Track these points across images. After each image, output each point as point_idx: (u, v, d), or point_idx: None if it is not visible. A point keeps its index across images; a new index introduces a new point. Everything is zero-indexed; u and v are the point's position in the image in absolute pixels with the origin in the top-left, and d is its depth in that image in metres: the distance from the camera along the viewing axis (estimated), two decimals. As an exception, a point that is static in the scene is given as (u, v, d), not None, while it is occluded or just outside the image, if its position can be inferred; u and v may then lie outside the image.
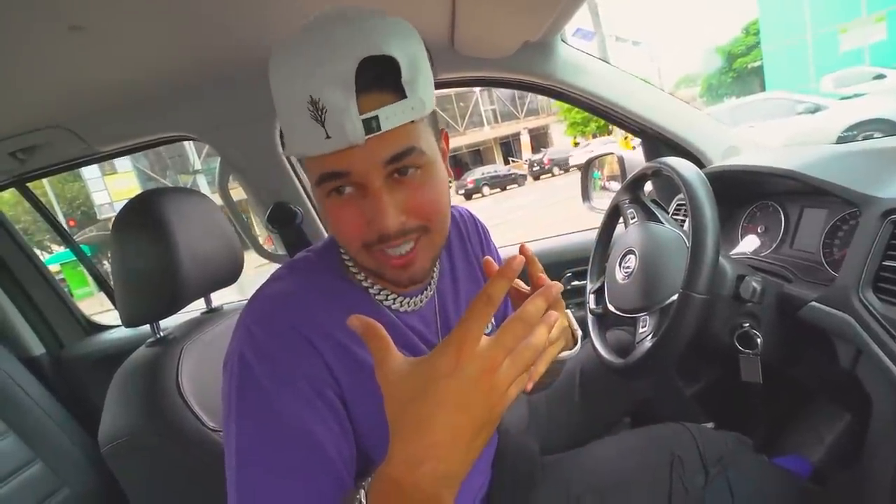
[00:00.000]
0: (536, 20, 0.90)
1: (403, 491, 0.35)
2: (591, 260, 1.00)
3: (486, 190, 18.27)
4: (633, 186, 0.91)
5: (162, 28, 0.75)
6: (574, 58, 1.08)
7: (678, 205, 1.11)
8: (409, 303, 0.58)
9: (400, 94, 0.43)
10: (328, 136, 0.41)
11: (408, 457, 0.36)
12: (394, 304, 0.56)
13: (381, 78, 0.42)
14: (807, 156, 0.83)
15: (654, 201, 0.89)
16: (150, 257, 0.79)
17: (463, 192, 18.11)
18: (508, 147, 28.01)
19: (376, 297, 0.56)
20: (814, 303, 0.65)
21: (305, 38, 0.42)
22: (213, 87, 1.02)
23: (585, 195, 1.40)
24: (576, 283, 1.31)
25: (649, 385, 0.98)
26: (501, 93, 26.47)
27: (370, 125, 0.41)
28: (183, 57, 0.88)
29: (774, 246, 0.87)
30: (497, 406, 0.37)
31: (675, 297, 0.68)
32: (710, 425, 0.97)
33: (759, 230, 0.93)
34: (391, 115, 0.42)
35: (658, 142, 1.16)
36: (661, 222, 0.84)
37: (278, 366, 0.46)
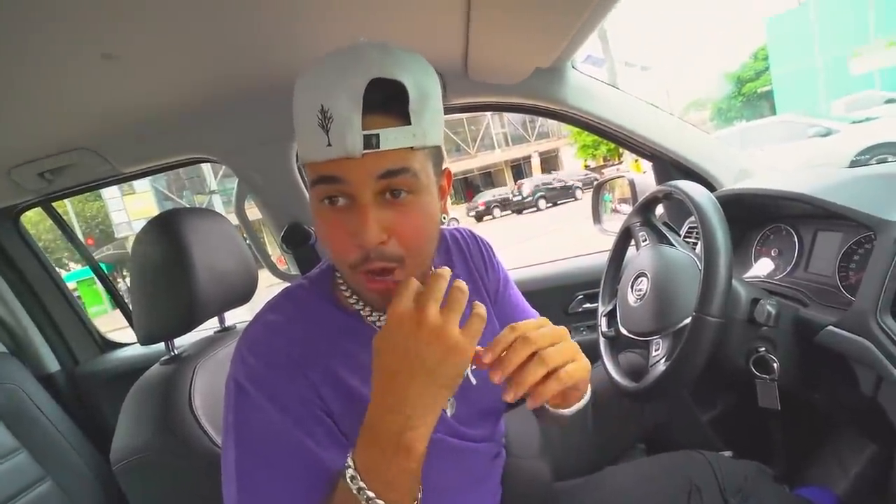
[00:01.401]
0: (548, 47, 0.93)
1: (376, 435, 0.43)
2: (602, 282, 0.99)
3: (496, 212, 18.28)
4: (644, 209, 0.91)
5: (187, 54, 0.79)
6: (584, 83, 1.10)
7: (689, 228, 1.11)
8: None
9: (405, 121, 0.45)
10: (329, 144, 0.43)
11: (373, 405, 0.44)
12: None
13: (389, 102, 0.44)
14: (819, 179, 0.82)
15: (665, 224, 0.89)
16: (168, 276, 0.81)
17: (474, 213, 18.15)
18: (519, 170, 28.21)
19: (368, 318, 0.56)
20: (831, 327, 0.64)
21: (331, 58, 0.45)
22: (232, 110, 1.06)
23: (596, 218, 1.40)
24: (587, 305, 1.30)
25: (664, 410, 0.96)
26: (512, 116, 26.82)
27: (370, 141, 0.43)
28: (206, 82, 0.92)
29: (788, 269, 0.86)
30: (442, 353, 0.42)
31: (688, 320, 0.68)
32: (728, 454, 0.94)
33: (772, 253, 0.92)
34: (391, 137, 0.44)
35: (669, 165, 1.17)
36: (673, 245, 0.84)
37: (273, 392, 0.48)
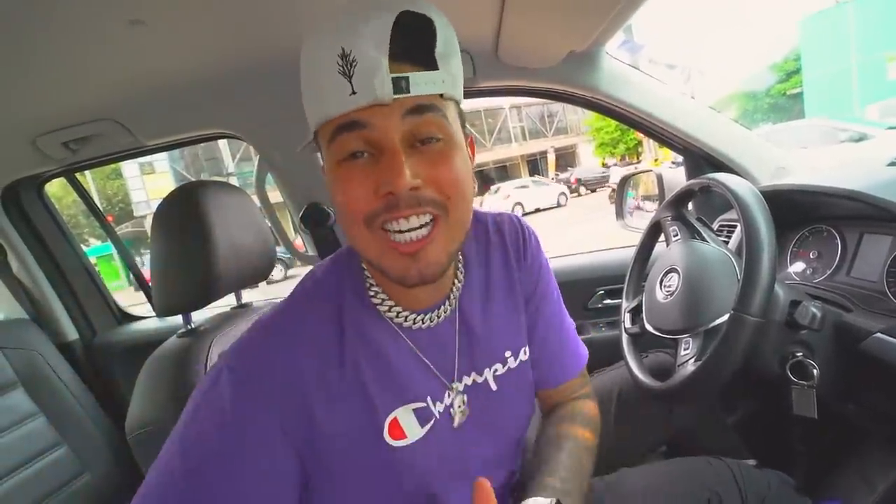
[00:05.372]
0: (584, 30, 0.89)
1: None
2: (627, 278, 0.96)
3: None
4: (677, 203, 0.87)
5: (215, 23, 0.77)
6: (619, 70, 1.06)
7: (721, 224, 1.07)
8: (420, 319, 0.53)
9: (432, 67, 0.41)
10: (353, 92, 0.39)
11: None
12: (405, 321, 0.52)
13: (414, 48, 0.41)
14: (869, 176, 0.78)
15: (699, 219, 0.86)
16: (189, 248, 0.80)
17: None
18: (535, 165, 27.93)
19: (386, 314, 0.52)
20: (880, 334, 0.60)
21: (346, 4, 0.41)
22: (256, 86, 1.04)
23: (620, 213, 1.36)
24: (608, 301, 1.27)
25: (690, 415, 0.92)
26: (530, 110, 26.53)
27: (399, 85, 0.39)
28: (231, 53, 0.90)
29: (829, 273, 0.82)
30: None
31: (722, 318, 0.65)
32: (751, 462, 0.91)
33: (810, 256, 0.87)
34: (421, 82, 0.40)
35: (702, 160, 1.12)
36: (706, 241, 0.80)
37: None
